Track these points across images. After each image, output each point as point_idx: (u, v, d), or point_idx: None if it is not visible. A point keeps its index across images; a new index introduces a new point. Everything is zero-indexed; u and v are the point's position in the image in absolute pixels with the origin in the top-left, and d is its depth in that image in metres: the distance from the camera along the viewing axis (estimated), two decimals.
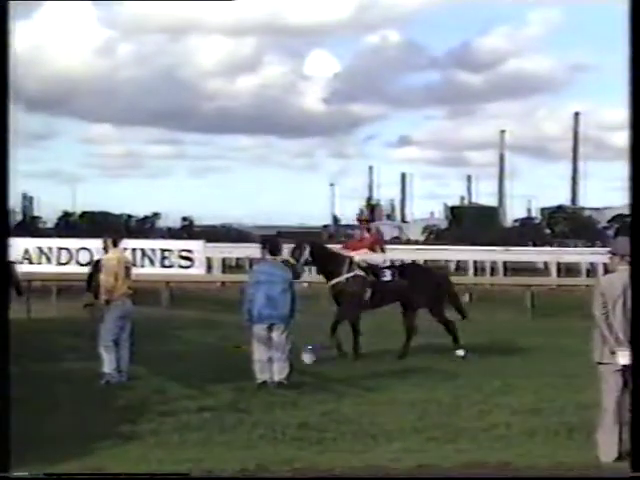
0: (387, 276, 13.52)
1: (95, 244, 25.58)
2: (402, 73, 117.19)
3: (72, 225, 61.01)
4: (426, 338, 14.79)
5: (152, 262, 28.26)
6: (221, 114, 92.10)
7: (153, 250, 28.75)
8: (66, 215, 67.29)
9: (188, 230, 62.42)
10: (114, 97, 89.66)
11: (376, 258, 13.76)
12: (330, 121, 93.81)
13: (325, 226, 76.85)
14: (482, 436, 8.02)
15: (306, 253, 12.99)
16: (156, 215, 70.02)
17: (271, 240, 11.75)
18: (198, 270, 28.39)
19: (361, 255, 13.51)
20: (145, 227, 65.91)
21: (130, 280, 11.08)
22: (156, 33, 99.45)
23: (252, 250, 33.96)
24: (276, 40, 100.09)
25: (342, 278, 13.19)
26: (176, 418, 8.60)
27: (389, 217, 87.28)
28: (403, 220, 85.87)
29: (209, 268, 29.37)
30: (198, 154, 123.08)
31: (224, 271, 29.88)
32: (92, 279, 11.84)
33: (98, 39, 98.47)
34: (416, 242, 55.97)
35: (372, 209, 15.96)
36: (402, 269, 14.14)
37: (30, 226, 63.18)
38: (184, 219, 67.71)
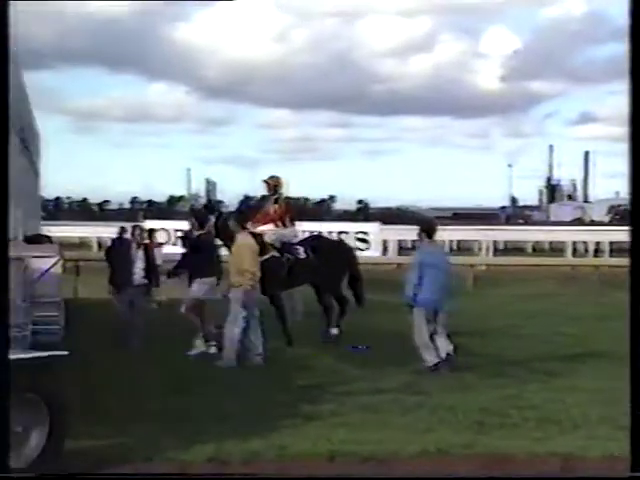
0: (301, 253, 12.34)
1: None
2: (584, 46, 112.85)
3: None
4: (605, 322, 14.21)
5: None
6: (394, 96, 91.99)
7: (330, 233, 29.22)
8: (247, 199, 69.34)
9: (364, 212, 62.86)
10: (290, 82, 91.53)
11: (288, 234, 12.53)
12: (507, 99, 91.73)
13: (503, 207, 75.27)
14: None
15: (210, 224, 11.71)
16: (332, 198, 71.10)
17: (428, 222, 11.50)
18: (374, 252, 28.60)
19: (271, 232, 12.26)
20: (321, 210, 66.97)
21: (257, 265, 10.93)
22: (330, 17, 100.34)
23: None
24: (450, 19, 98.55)
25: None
26: (355, 399, 8.67)
27: (570, 197, 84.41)
28: (586, 200, 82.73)
29: (385, 250, 29.48)
30: (370, 137, 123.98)
31: (400, 253, 29.92)
32: None
33: (275, 25, 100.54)
34: (600, 223, 53.81)
35: (277, 181, 12.95)
36: (312, 244, 12.88)
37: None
38: (359, 202, 68.27)
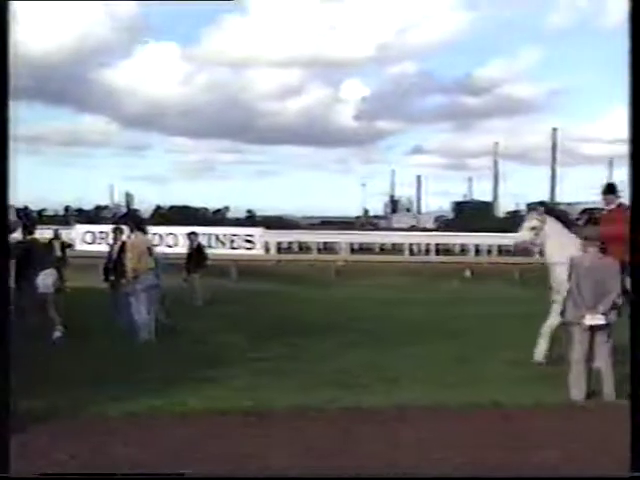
0: None
1: (180, 230, 26.03)
2: (417, 96, 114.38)
3: (163, 216, 61.32)
4: (439, 305, 14.49)
5: (223, 244, 28.43)
6: (274, 129, 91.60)
7: (225, 235, 28.97)
8: (158, 208, 67.80)
9: (251, 220, 62.50)
10: (192, 116, 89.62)
11: None
12: (360, 134, 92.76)
13: (358, 217, 76.38)
14: None
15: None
16: (226, 208, 70.33)
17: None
18: (258, 251, 28.49)
19: None
20: (218, 217, 66.14)
21: (152, 258, 10.42)
22: (224, 66, 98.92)
23: (299, 235, 33.99)
24: (316, 70, 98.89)
25: None
26: (245, 367, 8.35)
27: (408, 210, 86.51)
28: (419, 212, 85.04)
29: (267, 249, 29.39)
30: (257, 160, 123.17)
31: (279, 251, 29.91)
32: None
33: (180, 71, 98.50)
34: (429, 229, 55.32)
35: None
36: None
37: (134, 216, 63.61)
38: (248, 211, 67.83)
